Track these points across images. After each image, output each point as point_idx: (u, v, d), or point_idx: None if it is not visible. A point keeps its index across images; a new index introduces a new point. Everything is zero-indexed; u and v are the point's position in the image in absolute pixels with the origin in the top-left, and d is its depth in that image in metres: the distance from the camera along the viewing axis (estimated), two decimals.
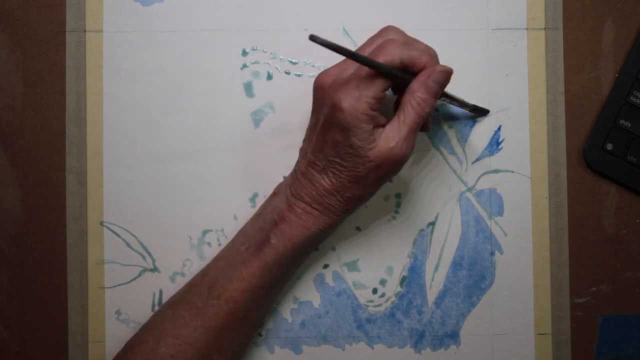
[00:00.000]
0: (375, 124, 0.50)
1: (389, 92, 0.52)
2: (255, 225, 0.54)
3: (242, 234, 0.55)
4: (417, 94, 0.50)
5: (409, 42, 0.51)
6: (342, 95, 0.49)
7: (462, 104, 0.57)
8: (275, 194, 0.55)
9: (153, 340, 0.52)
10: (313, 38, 0.45)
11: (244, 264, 0.52)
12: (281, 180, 0.58)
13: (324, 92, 0.51)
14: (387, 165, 0.50)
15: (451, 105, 0.59)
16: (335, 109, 0.49)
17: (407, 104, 0.50)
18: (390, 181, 0.59)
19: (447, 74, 0.51)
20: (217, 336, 0.52)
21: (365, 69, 0.49)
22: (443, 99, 0.55)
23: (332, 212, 0.53)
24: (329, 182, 0.51)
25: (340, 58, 0.50)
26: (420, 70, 0.50)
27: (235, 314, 0.52)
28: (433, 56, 0.51)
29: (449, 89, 0.54)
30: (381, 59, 0.49)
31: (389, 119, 0.51)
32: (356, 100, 0.49)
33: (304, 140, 0.54)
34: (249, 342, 0.58)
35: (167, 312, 0.54)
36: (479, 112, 0.59)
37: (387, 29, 0.52)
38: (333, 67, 0.52)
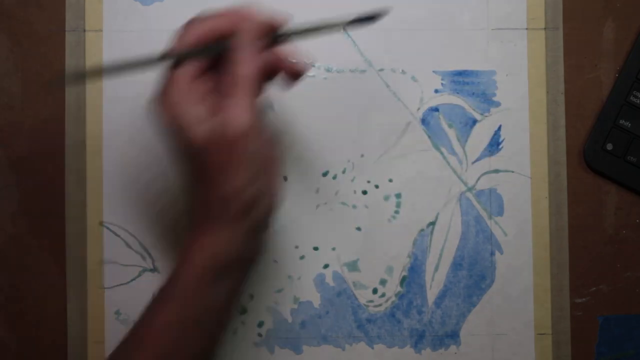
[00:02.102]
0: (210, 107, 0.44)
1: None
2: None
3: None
4: (234, 61, 0.44)
5: (215, 12, 0.46)
6: (157, 95, 0.45)
7: (332, 27, 0.48)
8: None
9: None
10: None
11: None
12: (281, 180, 0.58)
13: (157, 114, 0.45)
14: (224, 140, 0.43)
15: (456, 105, 0.59)
16: (158, 106, 0.45)
17: (228, 72, 0.44)
18: (390, 181, 0.59)
19: (251, 31, 0.45)
20: None
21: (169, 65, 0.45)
22: (286, 40, 0.48)
23: (218, 224, 0.45)
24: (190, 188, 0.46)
25: None
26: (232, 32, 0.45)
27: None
28: (242, 16, 0.45)
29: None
30: (188, 41, 0.45)
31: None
32: (169, 86, 0.45)
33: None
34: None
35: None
36: (362, 21, 0.49)
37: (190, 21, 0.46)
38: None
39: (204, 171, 0.44)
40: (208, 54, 0.46)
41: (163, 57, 0.45)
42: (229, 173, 0.43)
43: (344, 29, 0.50)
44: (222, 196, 0.44)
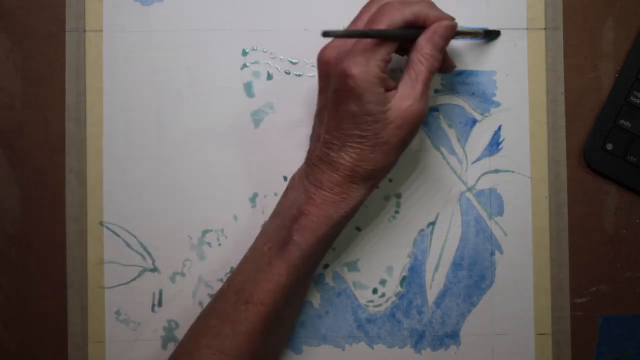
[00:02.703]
0: (386, 88, 0.49)
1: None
2: (275, 223, 0.52)
3: (263, 233, 0.53)
4: (425, 50, 0.50)
5: (404, 0, 0.50)
6: (350, 62, 0.48)
7: (473, 35, 0.57)
8: (290, 188, 0.53)
9: (187, 354, 0.52)
10: (327, 34, 0.46)
11: (269, 265, 0.51)
12: (281, 180, 0.58)
13: (329, 66, 0.50)
14: (409, 124, 0.50)
15: (456, 105, 0.59)
16: (346, 77, 0.48)
17: (417, 61, 0.50)
18: (390, 181, 0.59)
19: (452, 27, 0.51)
20: (250, 341, 0.51)
21: None
22: (456, 37, 0.55)
23: (354, 191, 0.51)
24: (349, 159, 0.50)
25: None
26: (423, 23, 0.50)
27: (266, 316, 0.51)
28: (432, 6, 0.51)
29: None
30: (384, 23, 0.49)
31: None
32: (365, 65, 0.48)
33: (314, 126, 0.53)
34: (285, 343, 0.58)
35: (199, 323, 0.53)
36: (492, 36, 0.59)
37: None
38: (333, 40, 0.51)
39: (375, 140, 0.49)
40: (401, 38, 0.50)
41: (329, 34, 0.46)
42: (397, 150, 0.50)
43: (484, 36, 0.58)
44: (382, 167, 0.51)
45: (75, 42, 0.59)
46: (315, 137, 0.52)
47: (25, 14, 0.59)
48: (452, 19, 0.52)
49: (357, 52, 0.48)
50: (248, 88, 0.59)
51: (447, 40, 0.51)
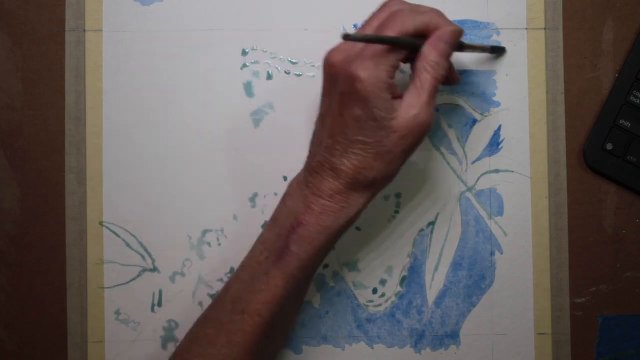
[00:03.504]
0: (393, 95, 0.48)
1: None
2: (273, 232, 0.51)
3: (260, 241, 0.52)
4: (430, 57, 0.49)
5: (415, 8, 0.50)
6: (358, 66, 0.47)
7: (480, 49, 0.57)
8: (288, 195, 0.51)
9: None
10: (347, 37, 0.45)
11: (266, 275, 0.50)
12: (281, 180, 0.58)
13: (336, 69, 0.49)
14: (413, 134, 0.49)
15: (456, 105, 0.59)
16: (353, 80, 0.47)
17: (422, 69, 0.49)
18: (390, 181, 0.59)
19: (457, 33, 0.50)
20: (246, 351, 0.50)
21: None
22: (464, 50, 0.55)
23: (354, 200, 0.50)
24: (351, 166, 0.49)
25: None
26: (434, 32, 0.50)
27: (262, 327, 0.50)
28: (441, 16, 0.50)
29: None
30: (395, 30, 0.48)
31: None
32: (374, 69, 0.47)
33: (315, 131, 0.51)
34: (281, 349, 0.57)
35: (195, 331, 0.52)
36: (497, 52, 0.58)
37: (390, 1, 0.51)
38: (341, 44, 0.50)
39: (379, 148, 0.49)
40: (408, 46, 0.49)
41: (349, 37, 0.46)
42: (400, 160, 0.50)
43: (490, 52, 0.58)
44: (385, 176, 0.50)
45: (75, 42, 0.59)
46: (317, 143, 0.51)
47: (25, 14, 0.59)
48: (460, 28, 0.51)
49: (367, 56, 0.48)
50: (248, 88, 0.59)
51: (452, 46, 0.50)
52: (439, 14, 0.50)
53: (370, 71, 0.47)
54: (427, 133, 0.49)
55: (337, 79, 0.49)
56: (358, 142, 0.48)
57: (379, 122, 0.48)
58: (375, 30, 0.50)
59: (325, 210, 0.49)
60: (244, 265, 0.52)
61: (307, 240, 0.49)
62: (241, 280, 0.51)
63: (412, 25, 0.49)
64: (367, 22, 0.51)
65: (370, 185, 0.50)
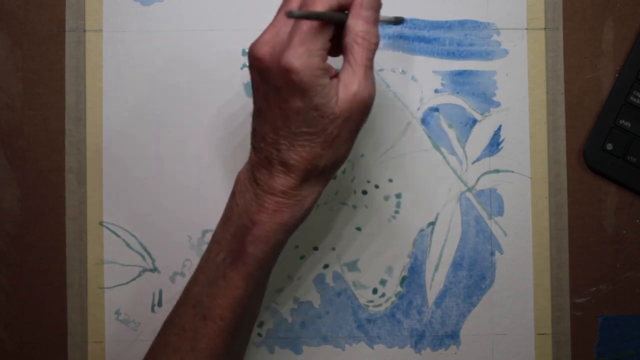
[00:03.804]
0: (330, 76, 0.46)
1: None
2: (227, 231, 0.49)
3: (214, 241, 0.50)
4: (357, 28, 0.46)
5: None
6: (290, 56, 0.44)
7: (386, 21, 0.54)
8: (238, 192, 0.49)
9: None
10: (291, 14, 0.43)
11: (224, 279, 0.48)
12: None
13: (265, 63, 0.46)
14: (357, 113, 0.46)
15: (456, 105, 0.59)
16: (288, 73, 0.45)
17: (352, 43, 0.46)
18: (390, 181, 0.59)
19: None
20: (211, 356, 0.49)
21: (304, 23, 0.45)
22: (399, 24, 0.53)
23: (309, 191, 0.48)
24: (300, 158, 0.46)
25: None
26: (351, 4, 0.47)
27: (225, 331, 0.49)
28: None
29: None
30: (320, 5, 0.45)
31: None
32: (307, 57, 0.45)
33: (254, 126, 0.48)
34: (245, 348, 0.56)
35: (159, 338, 0.51)
36: (398, 22, 0.54)
37: None
38: (264, 33, 0.47)
39: (326, 135, 0.46)
40: (336, 20, 0.46)
41: (294, 15, 0.44)
42: (349, 141, 0.48)
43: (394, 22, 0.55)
44: (335, 160, 0.48)
45: (75, 42, 0.59)
46: (259, 139, 0.48)
47: (25, 14, 0.59)
48: None
49: (296, 44, 0.45)
50: (248, 88, 0.59)
51: (376, 11, 0.47)
52: None
53: (303, 60, 0.44)
54: (370, 106, 0.47)
55: (269, 73, 0.46)
56: (303, 133, 0.46)
57: (321, 109, 0.45)
58: (298, 8, 0.46)
59: (280, 207, 0.47)
60: (201, 267, 0.50)
61: (263, 240, 0.48)
62: (200, 283, 0.50)
63: (335, 2, 0.46)
64: (282, 4, 0.48)
65: (323, 173, 0.48)
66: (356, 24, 0.46)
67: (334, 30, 0.46)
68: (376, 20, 0.47)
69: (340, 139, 0.47)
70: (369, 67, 0.46)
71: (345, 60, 0.47)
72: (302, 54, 0.45)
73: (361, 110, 0.46)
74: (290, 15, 0.43)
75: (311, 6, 0.45)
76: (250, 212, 0.48)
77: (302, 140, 0.46)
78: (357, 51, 0.46)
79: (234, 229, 0.49)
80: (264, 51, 0.46)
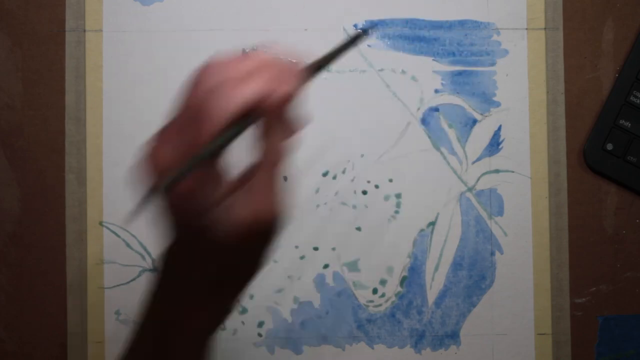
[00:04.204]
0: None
1: None
2: None
3: None
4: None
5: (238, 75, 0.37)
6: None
7: (338, 51, 0.43)
8: None
9: None
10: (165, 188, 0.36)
11: None
12: (281, 180, 0.58)
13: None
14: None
15: (456, 105, 0.59)
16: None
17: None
18: (390, 181, 0.59)
19: (282, 100, 0.37)
20: None
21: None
22: (322, 70, 0.43)
23: None
24: None
25: None
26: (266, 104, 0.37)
27: None
28: (270, 70, 0.38)
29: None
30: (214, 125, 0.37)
31: None
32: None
33: None
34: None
35: None
36: (355, 40, 0.42)
37: (205, 69, 0.39)
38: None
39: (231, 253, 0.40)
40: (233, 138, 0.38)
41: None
42: (261, 256, 0.41)
43: (346, 46, 0.43)
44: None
45: (75, 42, 0.59)
46: None
47: (25, 14, 0.59)
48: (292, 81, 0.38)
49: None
50: None
51: (284, 117, 0.38)
52: (268, 67, 0.38)
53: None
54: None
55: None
56: None
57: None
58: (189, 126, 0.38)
59: None
60: None
61: None
62: None
63: (234, 108, 0.37)
64: (174, 119, 0.40)
65: None
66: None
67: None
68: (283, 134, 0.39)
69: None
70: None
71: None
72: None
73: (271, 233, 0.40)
74: (164, 189, 0.36)
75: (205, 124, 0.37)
76: None
77: None
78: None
79: None
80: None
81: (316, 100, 0.58)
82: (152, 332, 0.43)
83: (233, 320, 0.59)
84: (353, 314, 0.59)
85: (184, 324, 0.41)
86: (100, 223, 0.58)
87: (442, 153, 0.59)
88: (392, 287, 0.59)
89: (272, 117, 0.38)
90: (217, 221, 0.38)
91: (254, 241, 0.39)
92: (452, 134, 0.59)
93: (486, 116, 0.59)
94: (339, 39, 0.58)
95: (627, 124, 0.59)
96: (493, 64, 0.59)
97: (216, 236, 0.38)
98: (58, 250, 0.58)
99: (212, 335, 0.43)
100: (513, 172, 0.59)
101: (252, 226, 0.39)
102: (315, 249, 0.59)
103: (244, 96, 0.37)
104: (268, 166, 0.39)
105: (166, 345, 0.42)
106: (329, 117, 0.59)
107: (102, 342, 0.58)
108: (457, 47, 0.59)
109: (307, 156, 0.59)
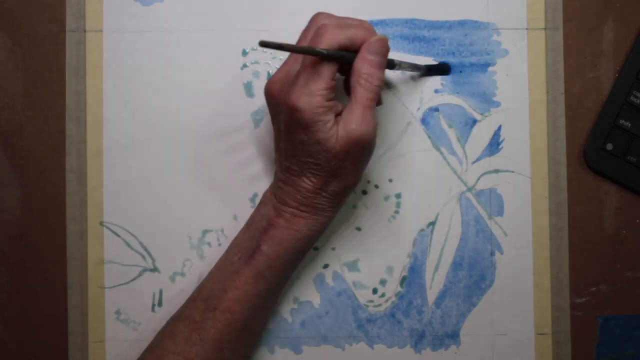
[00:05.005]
0: (335, 113, 0.50)
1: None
2: (247, 235, 0.54)
3: (234, 244, 0.54)
4: (362, 71, 0.49)
5: (342, 22, 0.50)
6: (294, 95, 0.49)
7: (413, 68, 0.57)
8: (262, 202, 0.54)
9: (154, 359, 0.52)
10: (263, 44, 0.44)
11: (236, 274, 0.52)
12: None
13: (275, 99, 0.51)
14: (356, 148, 0.50)
15: (456, 105, 0.59)
16: (292, 110, 0.49)
17: (355, 83, 0.50)
18: (390, 181, 0.59)
19: (383, 41, 0.50)
20: (217, 349, 0.52)
21: (309, 62, 0.48)
22: (395, 68, 0.55)
23: (321, 210, 0.52)
24: (310, 183, 0.51)
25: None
26: (358, 46, 0.50)
27: (233, 324, 0.52)
28: (369, 30, 0.51)
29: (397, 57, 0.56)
30: (321, 46, 0.49)
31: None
32: (310, 96, 0.48)
33: (275, 150, 0.54)
34: (252, 351, 0.58)
35: (167, 329, 0.54)
36: (436, 71, 0.59)
37: (317, 16, 0.52)
38: (277, 71, 0.52)
39: (330, 167, 0.50)
40: (343, 61, 0.50)
41: (266, 44, 0.45)
42: (354, 172, 0.52)
43: (426, 72, 0.59)
44: (344, 187, 0.52)
45: (75, 42, 0.59)
46: (278, 163, 0.53)
47: (25, 14, 0.59)
48: (384, 36, 0.51)
49: (301, 83, 0.49)
50: (248, 88, 0.59)
51: (382, 55, 0.50)
52: (365, 25, 0.51)
53: (305, 99, 0.48)
54: (368, 144, 0.50)
55: (278, 109, 0.51)
56: (309, 163, 0.50)
57: (322, 144, 0.49)
58: (308, 44, 0.50)
59: (295, 215, 0.52)
60: (217, 267, 0.54)
61: (277, 241, 0.52)
62: (214, 279, 0.54)
63: (336, 40, 0.49)
64: (298, 41, 0.52)
65: (334, 197, 0.52)
66: (361, 67, 0.50)
67: (341, 66, 0.50)
68: (381, 64, 0.50)
69: (344, 169, 0.51)
70: (369, 107, 0.50)
71: (350, 97, 0.50)
72: (305, 94, 0.48)
73: (359, 147, 0.50)
74: (261, 44, 0.44)
75: (318, 44, 0.49)
76: (269, 217, 0.53)
77: (309, 169, 0.51)
78: (359, 92, 0.50)
79: (252, 231, 0.53)
80: (274, 88, 0.51)
81: None
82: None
83: None
84: (353, 314, 0.59)
85: None
86: (101, 223, 0.59)
87: (442, 153, 0.59)
88: (392, 287, 0.59)
89: (371, 50, 0.50)
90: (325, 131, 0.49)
91: (351, 152, 0.50)
92: (452, 134, 0.59)
93: (486, 116, 0.59)
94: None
95: (627, 124, 0.59)
96: (493, 64, 0.59)
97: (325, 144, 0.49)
98: (58, 250, 0.58)
99: None
100: (513, 172, 0.59)
101: (351, 140, 0.49)
102: (315, 249, 0.59)
103: (340, 36, 0.49)
104: (367, 93, 0.50)
105: None
106: None
107: (103, 342, 0.58)
108: (457, 47, 0.59)
109: None
